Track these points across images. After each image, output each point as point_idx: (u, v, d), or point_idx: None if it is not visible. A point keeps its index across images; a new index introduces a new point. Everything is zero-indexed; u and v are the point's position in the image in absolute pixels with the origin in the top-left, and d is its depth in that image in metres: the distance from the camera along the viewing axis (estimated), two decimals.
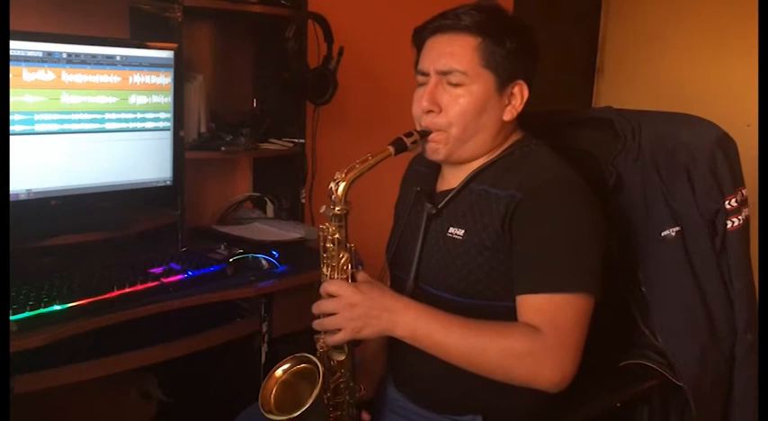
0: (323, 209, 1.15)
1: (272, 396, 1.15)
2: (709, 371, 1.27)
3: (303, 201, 2.17)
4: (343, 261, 1.15)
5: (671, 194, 1.29)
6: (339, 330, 1.12)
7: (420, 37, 1.24)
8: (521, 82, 1.20)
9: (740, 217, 1.27)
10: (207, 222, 2.13)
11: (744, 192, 1.29)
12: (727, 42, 3.02)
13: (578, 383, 1.14)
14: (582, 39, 3.41)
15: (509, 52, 1.17)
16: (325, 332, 1.15)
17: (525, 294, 1.12)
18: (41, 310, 1.32)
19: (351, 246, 1.16)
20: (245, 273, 1.69)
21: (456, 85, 1.18)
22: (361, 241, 1.24)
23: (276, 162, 2.16)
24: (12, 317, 1.27)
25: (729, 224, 1.27)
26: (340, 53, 2.07)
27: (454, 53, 1.17)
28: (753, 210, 1.30)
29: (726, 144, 1.29)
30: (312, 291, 1.71)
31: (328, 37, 2.06)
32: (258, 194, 2.25)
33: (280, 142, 2.10)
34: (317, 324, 1.15)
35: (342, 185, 1.13)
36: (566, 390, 1.12)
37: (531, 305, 1.11)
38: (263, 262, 1.76)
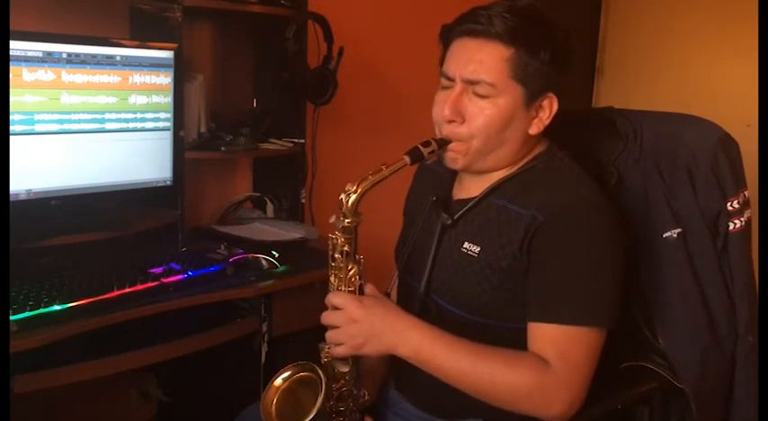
0: (332, 219, 1.11)
1: (273, 406, 1.14)
2: (711, 372, 1.26)
3: (303, 201, 2.17)
4: (351, 273, 1.12)
5: (672, 195, 1.28)
6: (341, 345, 1.11)
7: (448, 36, 1.16)
8: (551, 95, 1.14)
9: (742, 219, 1.27)
10: (207, 222, 2.13)
11: (746, 193, 1.28)
12: (727, 42, 3.02)
13: None
14: (582, 39, 3.41)
15: (542, 64, 1.09)
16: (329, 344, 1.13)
17: (538, 322, 1.08)
18: (41, 310, 1.32)
19: (360, 258, 1.13)
20: (245, 273, 1.69)
21: (482, 97, 1.11)
22: (368, 243, 1.22)
23: (276, 162, 2.16)
24: (12, 318, 1.27)
25: (731, 225, 1.26)
26: (340, 53, 2.07)
27: (483, 61, 1.09)
28: (753, 211, 1.30)
29: (727, 145, 1.28)
30: (312, 291, 1.71)
31: (328, 37, 2.06)
32: (258, 194, 2.25)
33: (280, 142, 2.10)
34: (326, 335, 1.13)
35: (353, 197, 1.07)
36: None
37: (543, 334, 1.07)
38: (263, 262, 1.76)
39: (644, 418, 1.27)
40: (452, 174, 1.28)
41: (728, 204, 1.25)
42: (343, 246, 1.12)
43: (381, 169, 1.08)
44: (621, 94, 3.39)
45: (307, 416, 1.09)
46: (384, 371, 1.36)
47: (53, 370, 1.34)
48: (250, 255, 1.77)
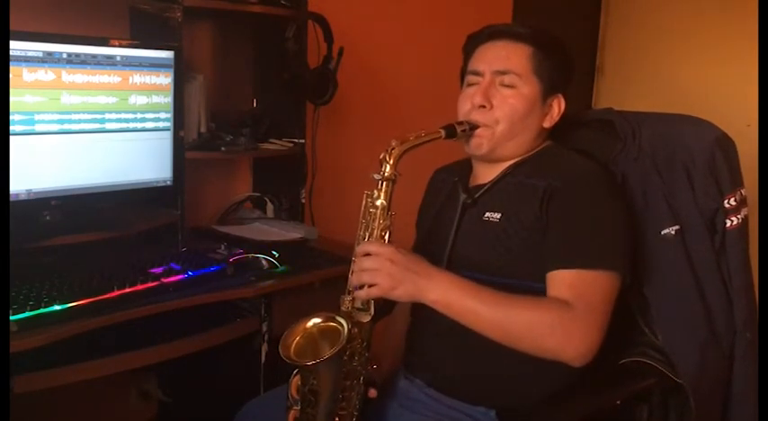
0: (375, 175, 1.20)
1: (294, 343, 1.16)
2: (709, 369, 1.28)
3: (303, 201, 2.17)
4: (382, 225, 1.18)
5: (671, 193, 1.30)
6: (374, 286, 1.13)
7: (474, 42, 1.32)
8: (560, 96, 1.30)
9: (739, 216, 1.28)
10: (207, 222, 2.13)
11: (742, 191, 1.30)
12: (727, 42, 3.02)
13: (579, 380, 1.16)
14: (582, 39, 3.41)
15: (556, 65, 1.28)
16: (358, 288, 1.16)
17: (556, 270, 1.16)
18: (41, 310, 1.32)
19: (392, 214, 1.19)
20: (245, 273, 1.69)
21: (508, 87, 1.26)
22: None
23: (276, 162, 2.16)
24: (12, 318, 1.27)
25: (728, 223, 1.28)
26: (340, 53, 2.07)
27: (510, 57, 1.27)
28: (752, 210, 1.31)
29: (725, 144, 1.31)
30: (312, 291, 1.71)
31: (328, 37, 2.06)
32: (258, 194, 2.25)
33: (280, 142, 2.10)
34: (354, 278, 1.16)
35: (396, 150, 1.18)
36: (567, 388, 1.14)
37: (562, 279, 1.15)
38: (263, 262, 1.76)
39: (643, 414, 1.27)
40: (465, 176, 1.36)
41: (725, 202, 1.28)
42: (378, 199, 1.18)
43: (421, 135, 1.21)
44: (621, 93, 3.38)
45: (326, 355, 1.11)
46: (391, 360, 1.38)
47: (53, 370, 1.34)
48: (250, 255, 1.77)
